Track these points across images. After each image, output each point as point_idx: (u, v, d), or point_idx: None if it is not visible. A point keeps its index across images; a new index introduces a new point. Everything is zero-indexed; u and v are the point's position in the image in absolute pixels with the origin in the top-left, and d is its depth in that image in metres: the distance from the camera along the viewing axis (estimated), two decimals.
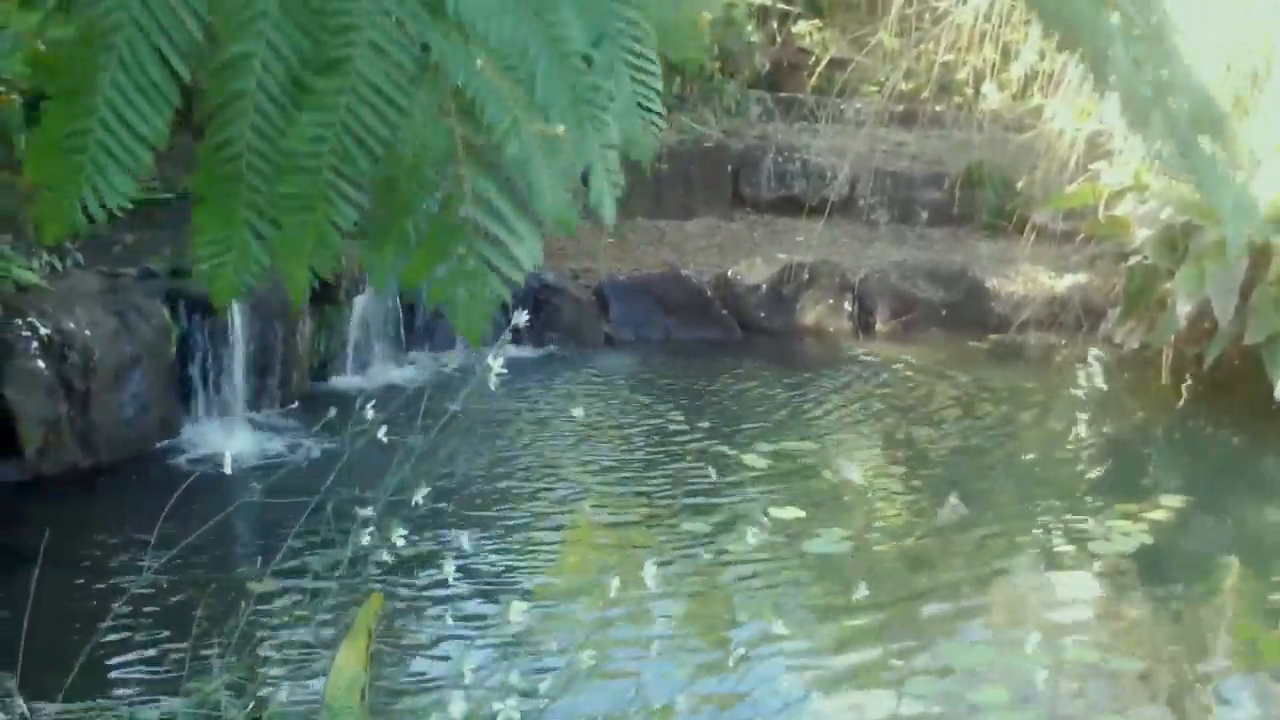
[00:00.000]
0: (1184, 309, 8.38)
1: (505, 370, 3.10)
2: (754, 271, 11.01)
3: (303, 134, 1.94)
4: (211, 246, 2.02)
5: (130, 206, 1.98)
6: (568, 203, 2.11)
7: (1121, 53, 2.68)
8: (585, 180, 2.12)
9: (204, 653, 3.33)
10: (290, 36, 1.92)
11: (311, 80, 1.94)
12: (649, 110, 2.30)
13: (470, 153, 2.07)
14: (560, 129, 2.04)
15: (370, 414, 3.16)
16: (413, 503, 3.15)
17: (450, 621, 5.23)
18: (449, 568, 3.28)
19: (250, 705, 3.12)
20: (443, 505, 6.42)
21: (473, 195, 2.07)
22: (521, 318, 3.11)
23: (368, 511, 3.11)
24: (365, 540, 3.09)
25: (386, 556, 3.18)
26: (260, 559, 3.53)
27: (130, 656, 4.88)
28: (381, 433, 3.16)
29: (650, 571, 3.35)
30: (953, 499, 6.96)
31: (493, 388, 3.06)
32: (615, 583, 3.59)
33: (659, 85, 2.30)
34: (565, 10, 2.04)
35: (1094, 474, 7.84)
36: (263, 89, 1.91)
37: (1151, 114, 2.78)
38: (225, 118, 1.93)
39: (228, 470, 3.11)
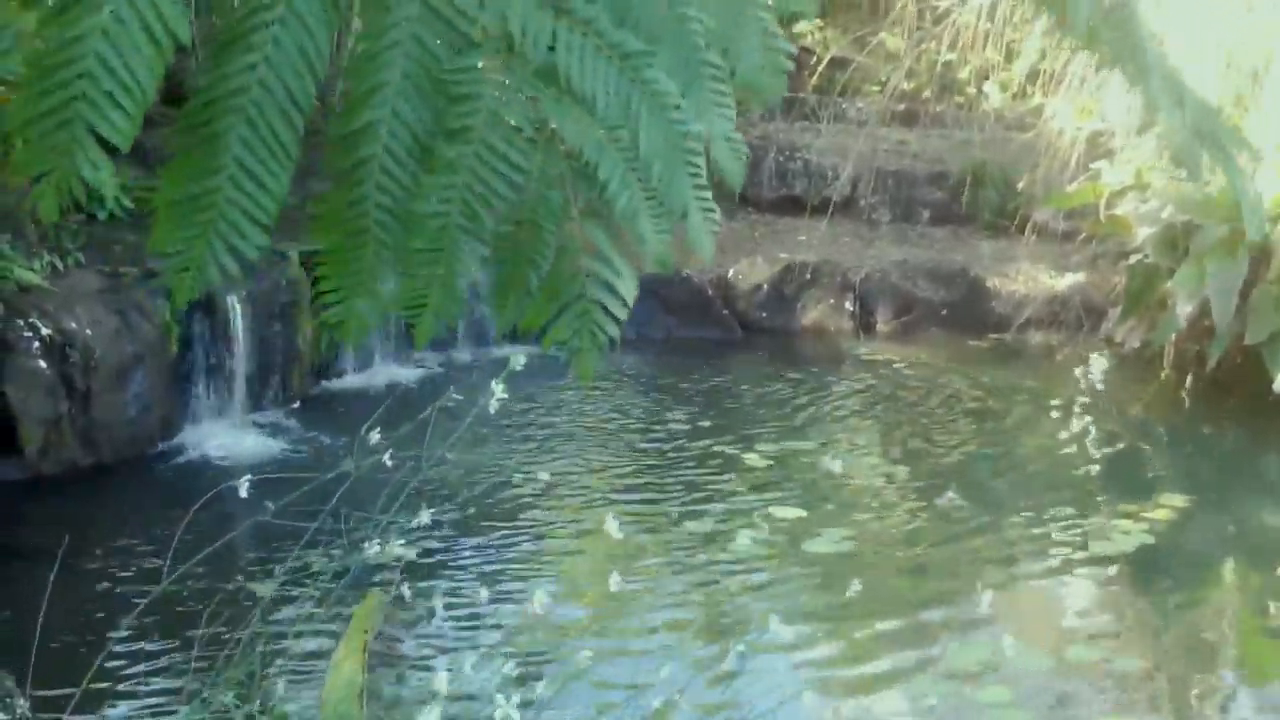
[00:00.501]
0: (1184, 308, 8.38)
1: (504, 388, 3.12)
2: (755, 271, 11.01)
3: (429, 194, 2.06)
4: (338, 293, 2.15)
5: (131, 206, 2.01)
6: (668, 245, 2.27)
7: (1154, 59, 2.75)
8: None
9: (209, 658, 3.33)
10: (414, 105, 2.03)
11: (437, 145, 2.05)
12: (732, 140, 2.41)
13: (584, 207, 2.21)
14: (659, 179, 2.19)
15: (375, 435, 3.17)
16: (414, 523, 3.16)
17: (449, 621, 5.22)
18: (448, 570, 3.29)
19: (255, 708, 3.12)
20: (442, 506, 6.43)
21: (587, 245, 2.23)
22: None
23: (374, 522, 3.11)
24: (371, 551, 3.10)
25: (387, 560, 3.18)
26: (266, 564, 3.53)
27: (133, 661, 4.88)
28: (382, 448, 3.16)
29: (613, 526, 3.35)
30: (950, 493, 6.99)
31: (492, 411, 3.10)
32: (615, 580, 3.58)
33: (733, 117, 2.40)
34: (659, 65, 2.16)
35: (1095, 473, 7.84)
36: (389, 153, 2.02)
37: (1173, 107, 2.82)
38: (355, 179, 2.04)
39: (243, 494, 3.12)
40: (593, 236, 2.23)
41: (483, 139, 2.05)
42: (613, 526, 3.36)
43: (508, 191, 2.09)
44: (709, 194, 2.27)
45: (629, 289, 2.26)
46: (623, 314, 2.24)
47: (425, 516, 3.21)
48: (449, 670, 3.00)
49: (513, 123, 2.08)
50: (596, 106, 2.11)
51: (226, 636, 3.27)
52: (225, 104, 1.93)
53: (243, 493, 3.13)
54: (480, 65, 2.08)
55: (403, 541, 3.14)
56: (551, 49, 2.09)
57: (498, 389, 3.11)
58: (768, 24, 2.46)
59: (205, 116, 1.95)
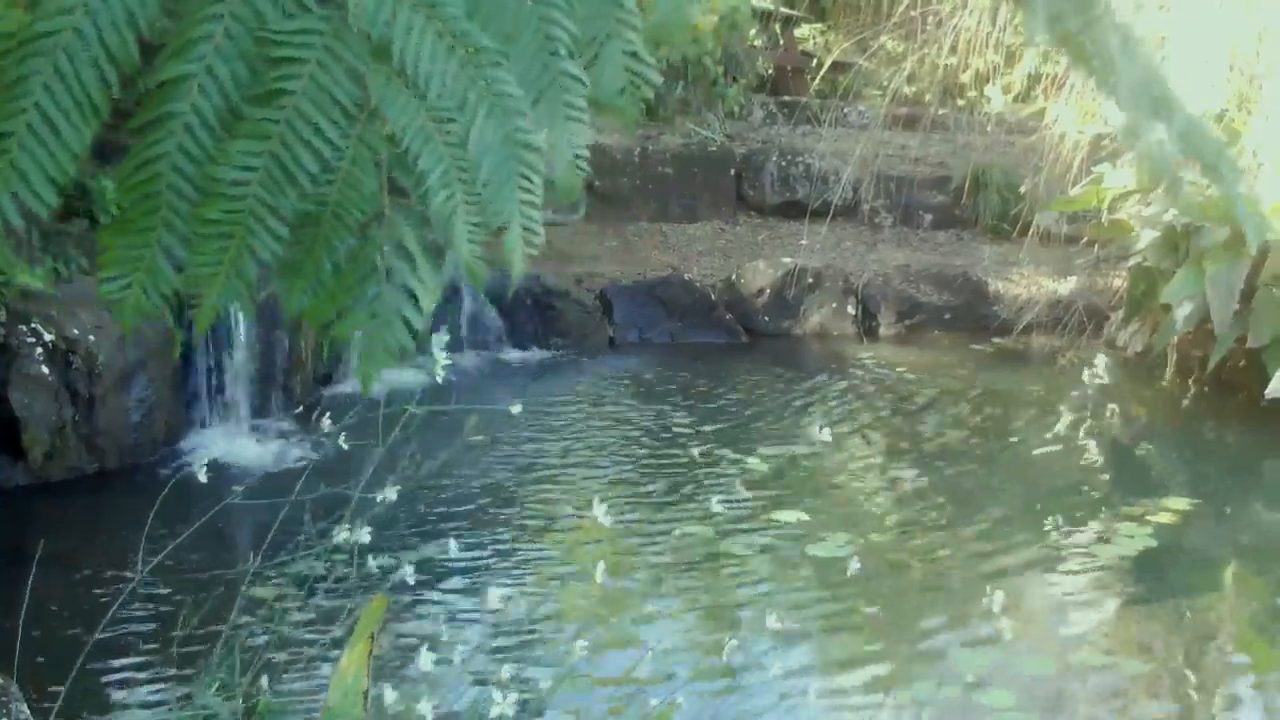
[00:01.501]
0: (1183, 311, 8.38)
1: (507, 369, 3.12)
2: (758, 275, 11.01)
3: (231, 160, 1.92)
4: (120, 266, 2.00)
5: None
6: (479, 256, 2.11)
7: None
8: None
9: (198, 656, 3.34)
10: (231, 63, 1.91)
11: (247, 109, 1.92)
12: (578, 157, 2.26)
13: (396, 199, 2.08)
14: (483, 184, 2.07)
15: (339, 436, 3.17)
16: (380, 500, 3.16)
17: (446, 622, 5.23)
18: (444, 570, 3.29)
19: (243, 706, 3.13)
20: (440, 508, 6.44)
21: (393, 241, 2.08)
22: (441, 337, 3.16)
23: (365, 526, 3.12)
24: (340, 538, 3.10)
25: (380, 562, 3.19)
26: (259, 564, 3.54)
27: (128, 660, 4.89)
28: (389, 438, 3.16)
29: (601, 510, 3.36)
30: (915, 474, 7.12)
31: (439, 380, 3.10)
32: (612, 582, 3.59)
33: (587, 133, 2.26)
34: (510, 67, 2.05)
35: (1098, 476, 7.85)
36: (196, 111, 1.89)
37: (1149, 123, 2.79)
38: (154, 137, 1.91)
39: (202, 479, 3.12)
40: (400, 232, 2.09)
41: (298, 107, 1.93)
42: (600, 511, 3.37)
43: (316, 168, 1.96)
44: (537, 209, 2.14)
45: (427, 297, 2.11)
46: (417, 321, 2.10)
47: (392, 494, 3.21)
48: (437, 664, 3.01)
49: (334, 96, 1.96)
50: (429, 94, 2.01)
51: (223, 639, 3.28)
52: (35, 46, 1.84)
53: (202, 477, 3.14)
54: (307, 30, 1.95)
55: (369, 529, 3.14)
56: (388, 26, 1.98)
57: (440, 357, 3.10)
58: (635, 45, 2.30)
59: (15, 58, 1.85)
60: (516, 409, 3.88)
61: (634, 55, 2.30)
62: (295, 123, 1.94)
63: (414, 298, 2.09)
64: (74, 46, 1.85)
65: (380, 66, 2.00)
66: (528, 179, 2.09)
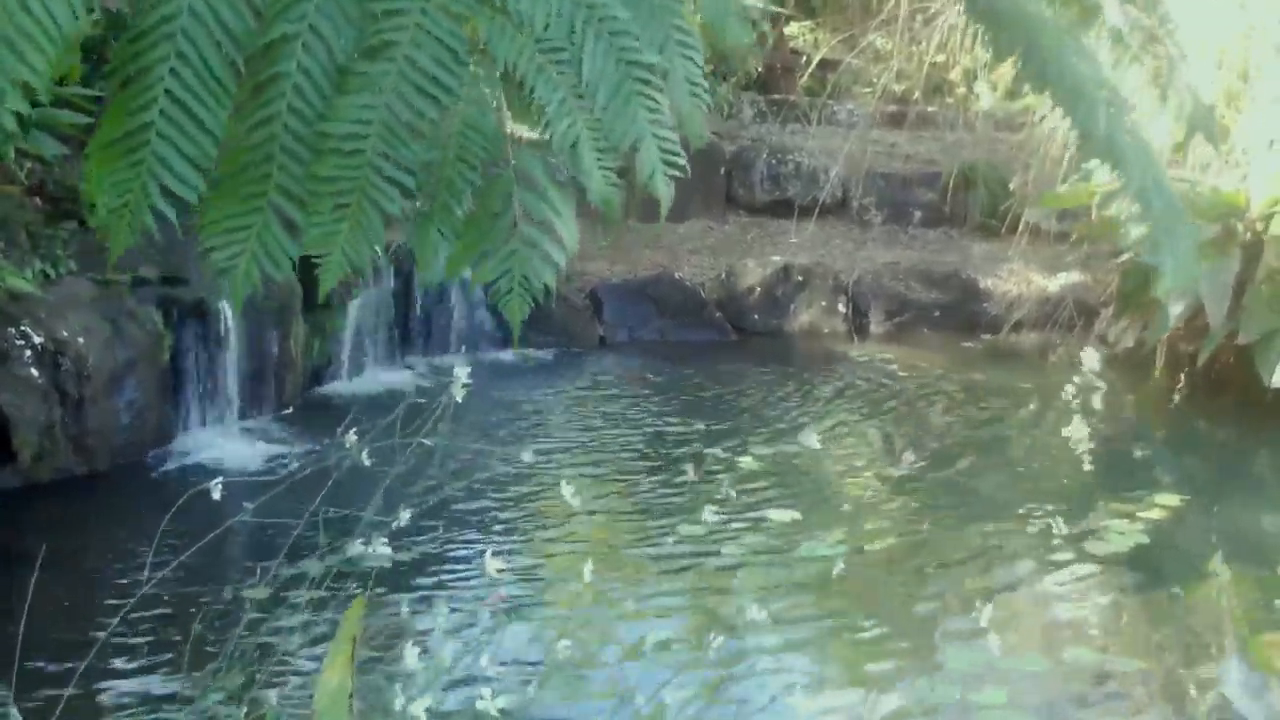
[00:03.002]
0: (1176, 308, 8.39)
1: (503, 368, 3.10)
2: (747, 273, 11.01)
3: (345, 116, 1.90)
4: (230, 234, 1.95)
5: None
6: (614, 185, 2.10)
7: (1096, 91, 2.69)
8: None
9: (200, 661, 3.32)
10: (334, 20, 1.90)
11: (356, 64, 1.91)
12: (696, 86, 2.25)
13: (517, 135, 2.05)
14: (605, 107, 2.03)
15: (352, 437, 3.15)
16: (395, 524, 3.15)
17: (441, 622, 5.21)
18: (436, 569, 3.28)
19: (245, 712, 3.12)
20: (432, 506, 6.42)
21: (520, 177, 2.06)
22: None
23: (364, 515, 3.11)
24: (354, 550, 3.09)
25: (377, 563, 3.18)
26: (255, 568, 3.52)
27: (125, 665, 4.87)
28: (364, 453, 3.14)
29: (569, 491, 3.34)
30: (908, 454, 7.04)
31: (459, 399, 3.06)
32: (601, 580, 3.58)
33: (702, 63, 2.26)
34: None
35: (1089, 473, 7.84)
36: (303, 71, 1.88)
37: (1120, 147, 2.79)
38: (262, 99, 1.89)
39: (216, 496, 3.10)
40: (528, 169, 2.08)
41: (407, 56, 1.90)
42: (569, 491, 3.35)
43: (433, 114, 1.93)
44: (670, 134, 2.09)
45: (568, 231, 2.11)
46: (559, 257, 2.08)
47: (405, 516, 3.20)
48: (426, 662, 3.00)
49: (442, 41, 1.93)
50: (536, 27, 1.98)
51: (218, 640, 3.27)
52: (154, 34, 1.83)
53: (216, 495, 3.12)
54: None
55: (385, 539, 3.12)
56: None
57: (462, 374, 3.07)
58: (695, 72, 2.28)
59: (134, 50, 1.84)
60: (528, 456, 3.86)
61: (693, 81, 2.28)
62: (407, 72, 1.92)
63: (552, 233, 2.07)
64: (192, 29, 1.83)
65: (484, 6, 1.98)
66: (649, 97, 2.05)
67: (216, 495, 3.11)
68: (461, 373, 3.08)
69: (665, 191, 2.10)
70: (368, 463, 3.16)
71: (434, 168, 2.02)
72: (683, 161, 2.11)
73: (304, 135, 1.90)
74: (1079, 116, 2.66)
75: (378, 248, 1.96)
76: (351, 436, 3.16)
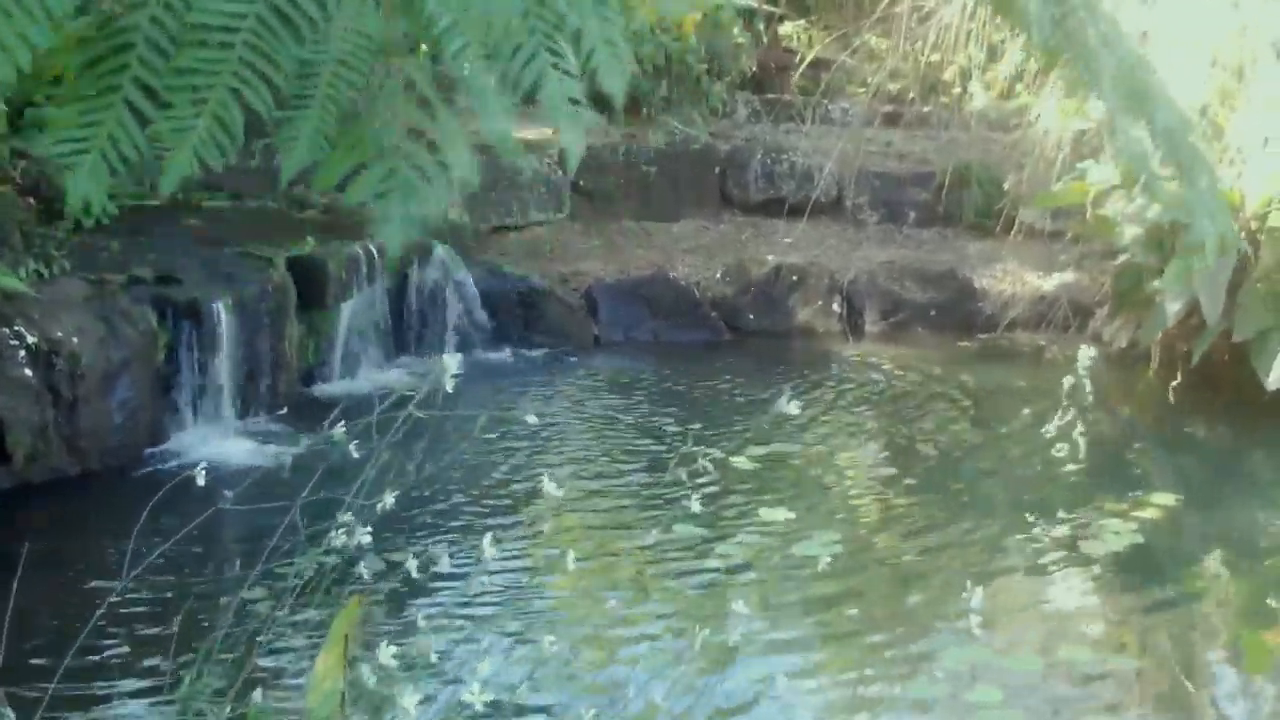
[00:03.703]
0: (1173, 307, 8.38)
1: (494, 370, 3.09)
2: (742, 273, 11.01)
3: (217, 7, 1.79)
4: (77, 130, 1.81)
5: (116, 213, 1.89)
6: (509, 122, 1.94)
7: (1108, 58, 2.67)
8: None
9: (185, 659, 3.31)
10: None
11: None
12: (613, 45, 2.08)
13: (409, 51, 1.93)
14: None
15: (340, 430, 3.14)
16: (380, 509, 3.13)
17: (421, 618, 5.20)
18: (422, 568, 3.27)
19: (229, 709, 3.11)
20: (422, 505, 6.42)
21: (408, 89, 1.93)
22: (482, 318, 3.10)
23: (348, 518, 3.09)
24: (338, 543, 3.08)
25: (365, 563, 3.17)
26: (245, 566, 3.52)
27: (114, 662, 4.86)
28: (351, 446, 3.13)
29: (551, 486, 3.32)
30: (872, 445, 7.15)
31: (449, 389, 3.03)
32: (593, 578, 3.57)
33: (620, 25, 2.11)
34: None
35: (1084, 472, 7.84)
36: None
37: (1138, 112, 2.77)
38: None
39: (200, 483, 3.09)
40: (418, 82, 1.92)
41: None
42: (550, 486, 3.33)
43: (315, 12, 1.82)
44: (574, 83, 1.95)
45: (460, 158, 1.93)
46: (442, 187, 1.90)
47: (389, 500, 3.18)
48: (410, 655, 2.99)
49: None
50: None
51: (204, 638, 3.26)
52: None
53: (201, 482, 3.10)
54: None
55: (368, 529, 3.11)
56: None
57: (451, 365, 3.04)
58: (613, 33, 2.10)
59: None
60: (532, 418, 3.83)
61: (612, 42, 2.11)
62: None
63: (435, 153, 1.92)
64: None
65: None
66: (552, 39, 1.93)
67: (201, 482, 3.09)
68: (451, 362, 3.05)
69: (573, 140, 1.98)
70: (356, 455, 3.15)
71: (311, 67, 1.89)
72: (590, 114, 1.99)
73: (169, 25, 1.79)
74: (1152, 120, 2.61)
75: (230, 149, 1.83)
76: (339, 430, 3.13)
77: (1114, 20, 2.92)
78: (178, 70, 1.80)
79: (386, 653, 2.83)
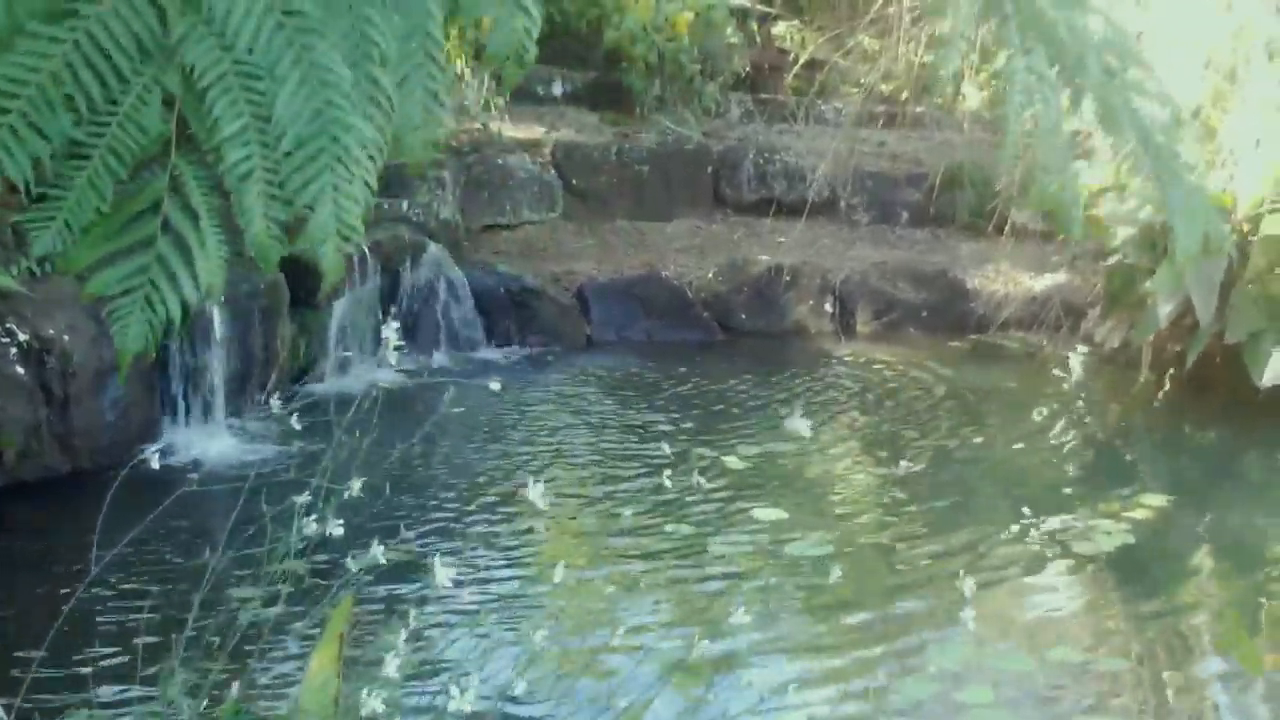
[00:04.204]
0: (1165, 308, 8.39)
1: (491, 374, 3.08)
2: (735, 273, 11.01)
3: (2, 73, 1.77)
4: None
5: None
6: (275, 237, 1.93)
7: (1093, 59, 2.67)
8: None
9: (166, 654, 3.31)
10: None
11: (34, 24, 1.78)
12: (433, 98, 2.09)
13: (190, 149, 1.90)
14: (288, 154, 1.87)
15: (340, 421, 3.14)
16: (347, 494, 3.12)
17: (412, 617, 5.20)
18: (419, 568, 3.27)
19: (204, 704, 3.11)
20: (411, 504, 6.41)
21: (176, 189, 1.91)
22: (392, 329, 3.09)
23: (337, 522, 3.09)
24: (309, 530, 3.07)
25: (356, 563, 3.17)
26: (232, 562, 3.52)
27: (97, 656, 4.85)
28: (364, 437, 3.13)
29: (535, 492, 3.31)
30: (904, 462, 7.09)
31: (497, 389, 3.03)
32: (584, 579, 3.57)
33: (442, 74, 2.11)
34: (327, 38, 1.90)
35: (1075, 473, 7.85)
36: None
37: (1121, 117, 2.78)
38: None
39: (155, 466, 3.09)
40: (187, 185, 1.89)
41: (90, 31, 1.77)
42: (535, 492, 3.32)
43: (99, 97, 1.79)
44: (355, 202, 1.93)
45: (210, 269, 1.90)
46: (190, 292, 1.89)
47: (356, 486, 3.17)
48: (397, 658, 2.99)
49: (132, 28, 1.79)
50: (239, 45, 1.83)
51: (184, 632, 3.25)
52: None
53: (154, 464, 3.09)
54: None
55: (339, 522, 3.11)
56: None
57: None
58: (436, 87, 2.12)
59: None
60: (495, 385, 3.82)
61: (433, 95, 2.13)
62: (84, 45, 1.79)
63: (189, 259, 1.89)
64: None
65: (190, 8, 1.85)
66: (343, 163, 1.90)
67: (155, 465, 3.09)
68: (393, 337, 3.03)
69: (333, 262, 1.95)
70: (365, 447, 3.15)
71: (81, 150, 1.88)
72: (358, 239, 1.95)
73: None
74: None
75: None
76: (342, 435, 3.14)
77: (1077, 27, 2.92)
78: None
79: (384, 650, 2.83)
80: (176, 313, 1.87)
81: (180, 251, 1.89)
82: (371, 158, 1.94)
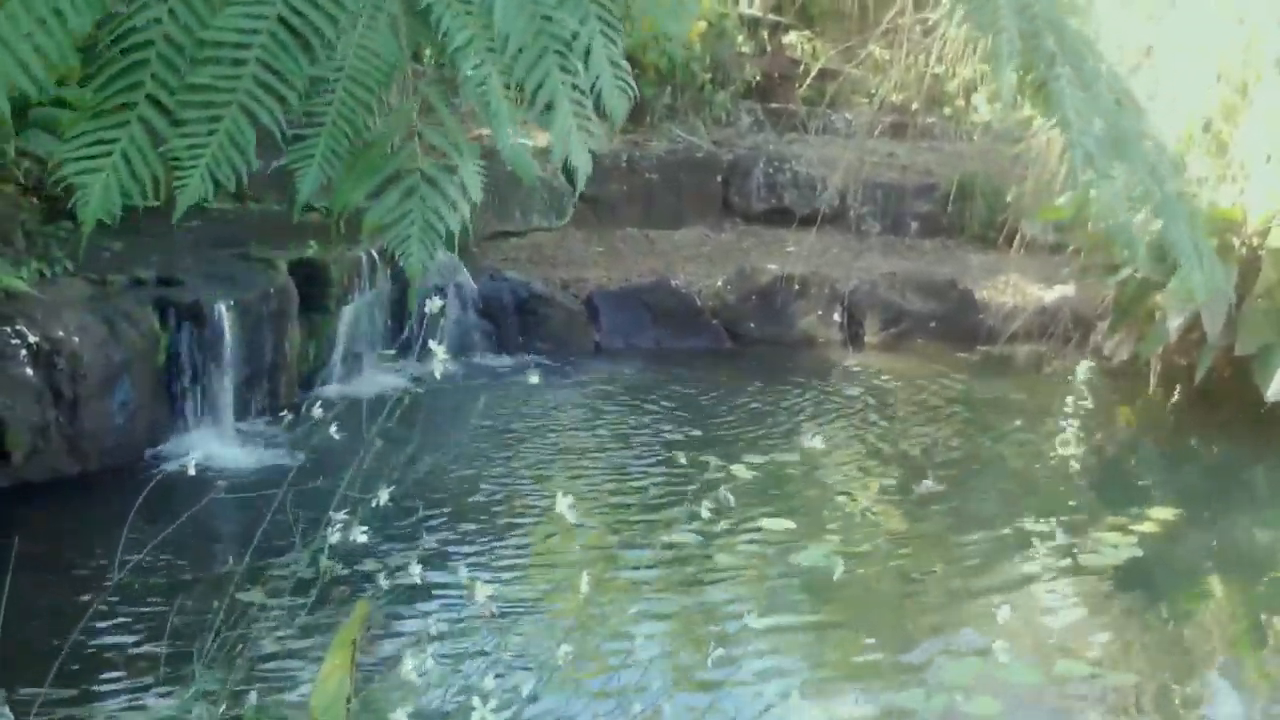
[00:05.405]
0: (1174, 321, 8.37)
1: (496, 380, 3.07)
2: (744, 282, 11.00)
3: (230, 24, 1.76)
4: (89, 149, 1.78)
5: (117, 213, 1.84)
6: (522, 144, 1.92)
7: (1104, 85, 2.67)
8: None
9: (183, 660, 3.31)
10: None
11: None
12: (619, 69, 2.07)
13: (427, 73, 1.90)
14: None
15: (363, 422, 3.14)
16: (375, 503, 3.12)
17: (427, 627, 5.20)
18: (427, 572, 3.27)
19: (223, 709, 3.10)
20: (423, 513, 6.41)
21: (425, 112, 1.90)
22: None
23: (342, 516, 3.09)
24: (333, 539, 3.07)
25: (365, 566, 3.18)
26: (245, 567, 3.52)
27: (111, 663, 4.86)
28: (373, 441, 3.13)
29: (564, 504, 3.30)
30: (928, 480, 7.08)
31: (438, 376, 3.02)
32: (592, 588, 3.56)
33: (622, 47, 2.09)
34: None
35: (1083, 486, 7.84)
36: None
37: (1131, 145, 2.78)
38: (138, 4, 1.75)
39: (191, 472, 3.08)
40: (433, 102, 1.90)
41: None
42: (564, 504, 3.32)
43: (329, 30, 1.79)
44: (588, 107, 1.93)
45: (471, 177, 1.91)
46: (463, 204, 1.89)
47: (384, 496, 3.17)
48: (418, 667, 2.99)
49: None
50: None
51: (200, 638, 3.26)
52: None
53: (191, 471, 3.10)
54: None
55: (364, 529, 3.11)
56: None
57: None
58: (616, 54, 2.06)
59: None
60: (534, 379, 3.82)
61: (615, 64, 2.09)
62: None
63: (452, 172, 1.89)
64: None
65: None
66: (564, 57, 1.90)
67: (193, 471, 3.09)
68: (439, 350, 3.02)
69: (584, 159, 1.95)
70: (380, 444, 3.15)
71: (324, 85, 1.88)
72: (600, 133, 1.96)
73: (183, 43, 1.76)
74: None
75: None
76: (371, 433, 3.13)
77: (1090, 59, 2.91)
78: (192, 87, 1.77)
79: (404, 659, 2.83)
80: (455, 227, 1.87)
81: (445, 169, 1.89)
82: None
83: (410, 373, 9.18)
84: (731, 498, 3.31)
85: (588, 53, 2.02)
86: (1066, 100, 2.67)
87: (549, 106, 1.90)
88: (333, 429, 3.19)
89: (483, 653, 4.89)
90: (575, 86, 1.92)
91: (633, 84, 2.09)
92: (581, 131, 1.93)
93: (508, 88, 1.89)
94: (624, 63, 2.08)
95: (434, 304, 3.11)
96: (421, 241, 1.86)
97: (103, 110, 1.78)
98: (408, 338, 9.35)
